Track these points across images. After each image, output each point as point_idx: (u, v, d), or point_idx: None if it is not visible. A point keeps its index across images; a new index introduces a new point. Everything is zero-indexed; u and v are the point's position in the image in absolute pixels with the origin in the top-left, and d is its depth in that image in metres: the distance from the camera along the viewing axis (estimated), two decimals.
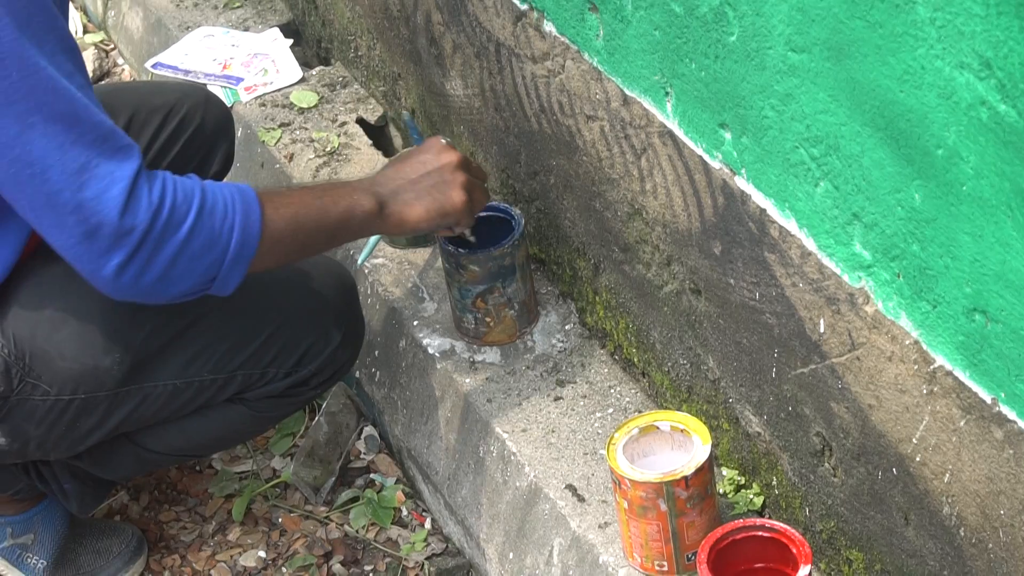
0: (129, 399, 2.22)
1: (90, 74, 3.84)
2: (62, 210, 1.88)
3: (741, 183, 1.91)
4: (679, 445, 2.16)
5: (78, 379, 2.17)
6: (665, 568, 2.14)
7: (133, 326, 2.19)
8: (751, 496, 2.21)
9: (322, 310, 2.32)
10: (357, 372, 2.74)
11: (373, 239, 2.66)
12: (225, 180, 2.69)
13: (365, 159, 3.01)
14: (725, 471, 2.26)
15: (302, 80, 3.27)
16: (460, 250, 2.47)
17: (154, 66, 3.43)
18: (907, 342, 1.72)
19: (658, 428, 2.16)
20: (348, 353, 2.37)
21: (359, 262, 2.69)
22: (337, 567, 2.59)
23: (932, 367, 1.69)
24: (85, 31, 4.07)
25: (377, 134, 3.16)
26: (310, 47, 3.46)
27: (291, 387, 2.32)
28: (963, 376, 1.65)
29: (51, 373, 2.16)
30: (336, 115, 3.15)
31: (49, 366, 2.16)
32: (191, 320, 2.23)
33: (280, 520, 2.68)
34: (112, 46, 3.99)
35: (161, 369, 2.22)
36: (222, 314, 2.25)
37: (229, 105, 3.18)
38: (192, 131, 2.58)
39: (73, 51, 1.92)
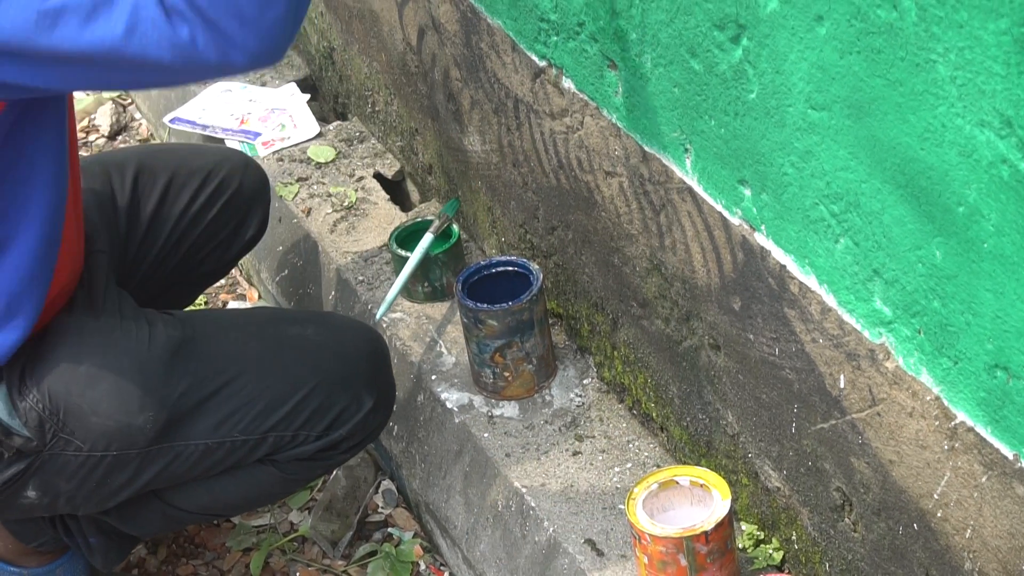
0: (160, 457, 2.23)
1: (107, 129, 3.88)
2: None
3: (761, 239, 1.92)
4: (699, 500, 2.16)
5: (111, 436, 2.18)
6: None
7: (167, 385, 2.21)
8: (771, 551, 2.21)
9: (355, 375, 2.33)
10: None
11: (391, 294, 2.67)
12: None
13: (382, 214, 3.03)
14: (744, 526, 2.26)
15: (319, 135, 3.29)
16: (479, 305, 2.48)
17: (172, 121, 3.46)
18: (928, 398, 1.72)
19: (677, 483, 2.16)
20: (379, 418, 2.38)
21: (377, 316, 2.70)
22: None
23: (953, 423, 1.69)
24: None
25: (394, 189, 3.18)
26: (327, 102, 3.48)
27: (321, 450, 2.33)
28: (984, 432, 1.65)
29: (84, 429, 2.18)
30: (353, 170, 3.17)
31: (83, 422, 2.17)
32: (225, 381, 2.25)
33: (298, 574, 2.68)
34: (129, 100, 4.01)
35: (193, 428, 2.24)
36: (256, 376, 2.27)
37: None
38: (230, 194, 2.61)
39: None
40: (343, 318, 2.50)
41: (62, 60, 1.85)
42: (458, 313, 2.62)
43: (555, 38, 2.23)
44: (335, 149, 3.24)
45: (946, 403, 1.70)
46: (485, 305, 2.48)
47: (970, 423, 1.67)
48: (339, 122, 3.35)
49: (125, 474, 2.23)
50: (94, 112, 3.97)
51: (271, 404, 2.27)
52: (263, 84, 3.53)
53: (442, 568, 2.64)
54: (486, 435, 2.51)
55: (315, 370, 2.31)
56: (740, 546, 2.23)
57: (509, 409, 2.54)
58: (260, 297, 3.27)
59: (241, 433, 2.26)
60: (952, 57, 1.45)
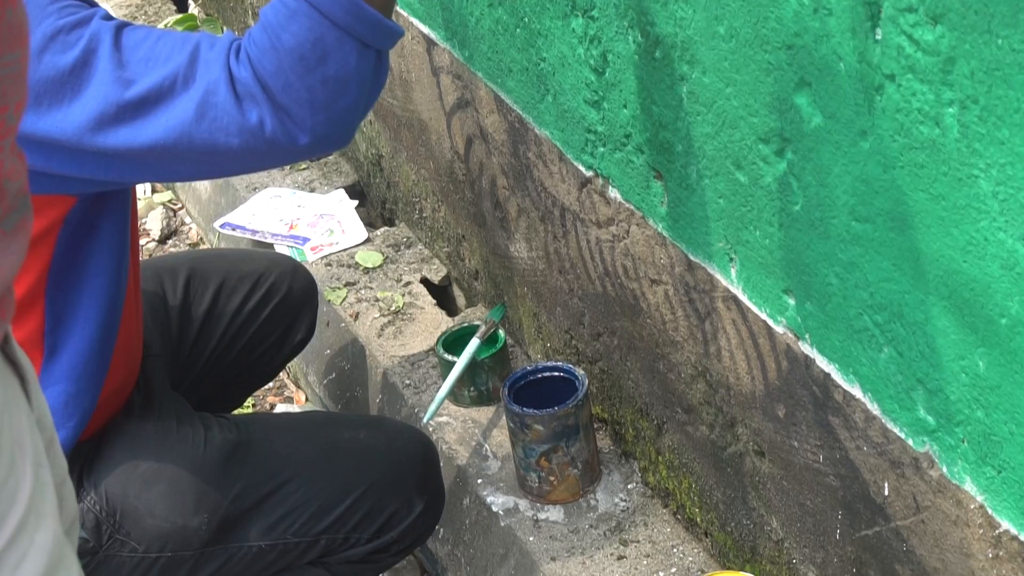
0: (214, 559, 2.26)
1: (158, 233, 3.94)
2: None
3: (805, 348, 1.95)
4: None
5: (166, 538, 2.22)
6: None
7: (222, 487, 2.24)
8: None
9: (406, 478, 2.37)
10: None
11: (438, 398, 2.71)
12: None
13: (429, 318, 3.07)
14: None
15: (367, 240, 3.35)
16: (525, 409, 2.51)
17: (222, 226, 3.52)
18: (972, 506, 1.74)
19: None
20: (429, 521, 2.41)
21: (424, 420, 2.73)
22: None
23: (998, 531, 1.71)
24: (153, 190, 4.17)
25: (441, 294, 3.23)
26: (375, 208, 3.54)
27: (372, 553, 2.36)
28: None
29: (140, 530, 2.21)
30: (400, 275, 3.22)
31: (138, 524, 2.21)
32: (279, 483, 2.28)
33: None
34: (180, 205, 4.08)
35: (247, 530, 2.27)
36: (309, 478, 2.30)
37: None
38: (279, 299, 2.66)
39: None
40: (395, 422, 2.53)
41: (135, 151, 1.89)
42: (504, 417, 2.64)
43: (602, 149, 2.28)
44: (383, 254, 3.29)
45: (990, 511, 1.71)
46: (531, 410, 2.51)
47: (1014, 531, 1.69)
48: (387, 228, 3.40)
49: (179, 575, 2.26)
50: (144, 217, 4.04)
51: (324, 507, 2.30)
52: (312, 190, 3.59)
53: None
54: (531, 539, 2.53)
55: (367, 473, 2.34)
56: None
57: (554, 513, 2.56)
58: (307, 400, 3.31)
59: (294, 535, 2.29)
60: (994, 173, 1.48)
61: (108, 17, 1.93)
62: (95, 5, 1.97)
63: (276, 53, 1.82)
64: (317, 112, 1.84)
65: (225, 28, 4.27)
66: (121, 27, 1.91)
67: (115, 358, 2.22)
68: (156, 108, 1.86)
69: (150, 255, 3.86)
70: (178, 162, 1.91)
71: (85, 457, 2.23)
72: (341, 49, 1.82)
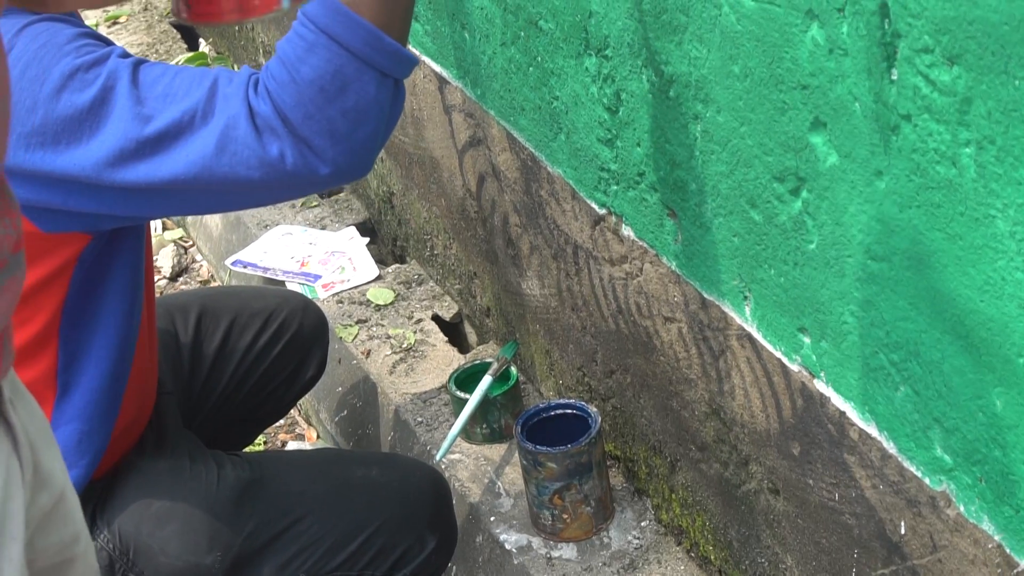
0: None
1: (169, 270, 3.95)
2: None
3: (820, 386, 1.95)
4: None
5: None
6: None
7: (235, 525, 2.24)
8: None
9: (418, 515, 2.37)
10: None
11: (451, 435, 2.71)
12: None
13: (440, 355, 3.07)
14: None
15: (378, 278, 3.35)
16: (538, 447, 2.51)
17: (233, 263, 3.52)
18: (990, 545, 1.73)
19: None
20: (442, 558, 2.41)
21: (437, 457, 2.73)
22: None
23: (1016, 571, 1.70)
24: (164, 228, 4.18)
25: (452, 331, 3.23)
26: (386, 245, 3.54)
27: None
28: None
29: (153, 569, 2.21)
30: (412, 312, 3.22)
31: (151, 562, 2.21)
32: (291, 521, 2.28)
33: None
34: (191, 243, 4.09)
35: (260, 568, 2.27)
36: (322, 516, 2.30)
37: None
38: (290, 336, 2.67)
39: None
40: (407, 459, 2.54)
41: (155, 186, 1.90)
42: (516, 455, 2.64)
43: (615, 187, 2.29)
44: (394, 291, 3.29)
45: (1008, 551, 1.71)
46: (544, 447, 2.51)
47: None
48: (398, 265, 3.41)
49: None
50: (156, 254, 4.04)
51: (337, 544, 2.30)
52: (323, 227, 3.59)
53: None
54: None
55: (380, 510, 2.34)
56: None
57: (568, 551, 2.56)
58: (319, 437, 3.31)
59: (307, 573, 2.29)
60: (1011, 213, 1.49)
61: (125, 55, 1.94)
62: (111, 43, 1.98)
63: (296, 86, 1.83)
64: (338, 143, 1.85)
65: (236, 65, 4.29)
66: (138, 64, 1.92)
67: (127, 395, 2.23)
68: (176, 143, 1.87)
69: (161, 292, 3.87)
70: (198, 195, 1.92)
71: (98, 495, 2.23)
72: (360, 80, 1.84)
